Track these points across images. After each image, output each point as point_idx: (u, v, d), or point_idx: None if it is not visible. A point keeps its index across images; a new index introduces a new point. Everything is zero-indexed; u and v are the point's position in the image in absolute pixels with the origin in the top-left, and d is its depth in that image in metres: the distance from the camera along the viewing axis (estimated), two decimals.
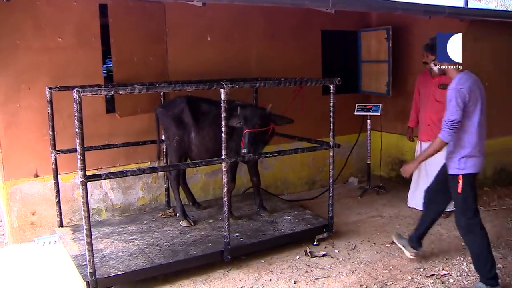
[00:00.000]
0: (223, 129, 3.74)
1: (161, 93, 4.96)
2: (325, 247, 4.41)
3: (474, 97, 3.43)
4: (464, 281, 3.75)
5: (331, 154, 4.38)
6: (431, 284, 3.72)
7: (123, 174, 3.49)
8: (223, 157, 3.79)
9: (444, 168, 3.73)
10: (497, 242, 4.48)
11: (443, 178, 3.73)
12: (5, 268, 4.12)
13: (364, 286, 3.70)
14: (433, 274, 3.86)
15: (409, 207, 5.42)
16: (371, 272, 3.93)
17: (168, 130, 4.58)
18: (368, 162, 6.17)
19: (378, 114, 5.91)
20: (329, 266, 4.04)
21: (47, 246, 4.55)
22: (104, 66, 5.17)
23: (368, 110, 5.97)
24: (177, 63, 5.20)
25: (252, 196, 5.02)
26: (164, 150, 4.95)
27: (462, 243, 4.43)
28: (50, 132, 4.34)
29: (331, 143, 4.33)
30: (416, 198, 5.36)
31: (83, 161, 3.19)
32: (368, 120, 6.06)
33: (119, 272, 3.55)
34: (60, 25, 4.57)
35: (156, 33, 5.07)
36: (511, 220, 5.08)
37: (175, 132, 4.49)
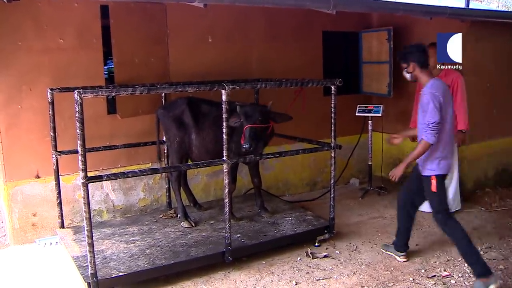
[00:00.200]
0: (224, 130, 3.74)
1: (162, 94, 4.96)
2: (326, 248, 4.41)
3: (446, 102, 3.62)
4: (465, 282, 3.74)
5: (332, 155, 4.38)
6: (432, 285, 3.71)
7: (124, 175, 3.50)
8: (224, 158, 3.79)
9: (416, 170, 3.89)
10: (499, 243, 4.47)
11: (415, 180, 3.92)
12: (7, 269, 4.12)
13: (365, 287, 3.70)
14: (435, 275, 3.85)
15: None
16: (372, 273, 3.92)
17: (169, 132, 4.58)
18: (370, 163, 6.16)
19: (379, 115, 5.91)
20: (330, 267, 4.04)
21: (48, 247, 4.55)
22: (105, 67, 5.18)
23: (369, 111, 5.97)
24: (178, 64, 5.20)
25: (253, 197, 5.01)
26: (165, 151, 4.95)
27: None
28: (51, 133, 4.34)
29: (332, 144, 4.33)
30: None
31: (84, 162, 3.19)
32: (369, 121, 6.06)
33: (120, 273, 3.55)
34: (61, 26, 4.58)
35: (157, 34, 5.08)
36: None
37: (175, 133, 4.50)
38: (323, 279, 3.83)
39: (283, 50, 5.92)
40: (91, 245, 3.31)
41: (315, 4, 4.28)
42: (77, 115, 3.14)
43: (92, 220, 3.38)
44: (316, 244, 4.45)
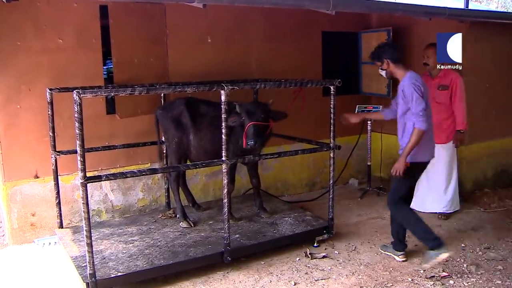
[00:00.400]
0: (223, 131, 3.74)
1: (162, 95, 4.96)
2: (325, 249, 4.41)
3: (425, 91, 3.84)
4: (464, 283, 3.74)
5: (332, 155, 4.38)
6: (431, 285, 3.72)
7: (123, 175, 3.50)
8: (223, 158, 3.79)
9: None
10: (497, 244, 4.48)
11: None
12: (5, 269, 4.12)
13: None
14: (433, 276, 3.86)
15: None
16: (371, 274, 3.92)
17: (167, 132, 4.58)
18: (369, 163, 6.17)
19: None
20: (329, 267, 4.04)
21: (47, 247, 4.55)
22: (104, 67, 5.18)
23: (368, 111, 5.97)
24: (177, 64, 5.20)
25: (252, 198, 5.01)
26: (164, 151, 4.95)
27: (462, 245, 4.46)
28: (51, 133, 4.34)
29: (331, 145, 4.33)
30: (416, 200, 5.34)
31: (83, 162, 3.19)
32: (369, 122, 6.06)
33: (119, 274, 3.55)
34: (60, 26, 4.57)
35: (156, 35, 5.07)
36: (511, 221, 5.07)
37: (174, 134, 4.50)
38: (322, 279, 3.83)
39: (283, 50, 5.92)
40: (90, 245, 3.31)
41: (314, 5, 4.28)
42: (76, 115, 3.14)
43: (91, 220, 3.38)
44: (315, 245, 4.45)
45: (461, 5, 5.46)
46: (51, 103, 4.28)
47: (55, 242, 4.55)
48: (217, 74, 5.25)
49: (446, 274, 3.88)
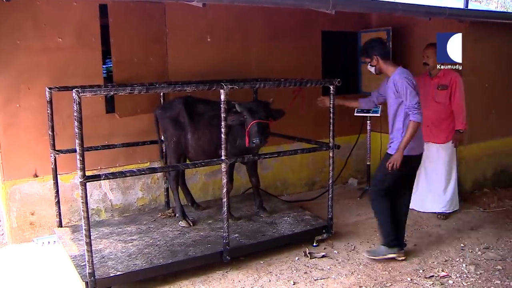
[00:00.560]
0: (222, 130, 3.73)
1: (161, 94, 4.96)
2: (325, 248, 4.41)
3: (417, 85, 3.91)
4: (463, 283, 3.74)
5: (331, 155, 4.38)
6: (430, 285, 3.72)
7: (122, 174, 3.49)
8: (222, 157, 3.79)
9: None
10: (497, 244, 4.48)
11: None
12: (4, 268, 4.12)
13: (363, 287, 3.70)
14: (432, 276, 3.86)
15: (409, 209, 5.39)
16: (370, 273, 3.92)
17: (166, 131, 4.58)
18: (368, 163, 6.16)
19: (378, 115, 5.89)
20: (328, 267, 4.04)
21: (46, 246, 4.55)
22: (104, 66, 5.17)
23: (368, 111, 5.94)
24: (177, 63, 5.20)
25: (252, 197, 5.01)
26: (164, 151, 4.95)
27: (462, 244, 4.46)
28: (50, 132, 4.34)
29: (330, 144, 4.33)
30: (415, 200, 5.35)
31: (83, 162, 3.19)
32: (368, 121, 6.06)
33: (118, 273, 3.55)
34: (60, 25, 4.57)
35: (156, 34, 5.07)
36: (510, 221, 5.07)
37: (172, 133, 4.50)
38: (321, 279, 3.83)
39: (282, 49, 5.92)
40: (89, 244, 3.30)
41: (314, 4, 4.27)
42: (75, 114, 3.13)
43: (90, 219, 3.37)
44: (314, 244, 4.44)
45: (461, 5, 5.46)
46: (51, 102, 4.28)
47: (54, 241, 4.55)
48: (217, 73, 5.24)
49: (445, 273, 3.89)
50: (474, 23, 5.49)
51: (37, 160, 4.61)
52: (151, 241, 4.14)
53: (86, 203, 3.25)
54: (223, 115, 3.71)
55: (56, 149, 4.37)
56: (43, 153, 4.51)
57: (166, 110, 4.57)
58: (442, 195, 5.13)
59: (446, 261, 4.14)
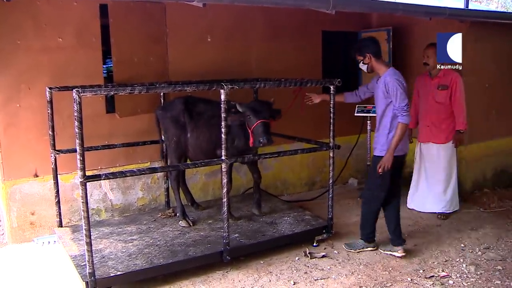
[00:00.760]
0: (223, 130, 3.73)
1: (161, 94, 4.96)
2: (325, 248, 4.41)
3: (406, 87, 3.95)
4: (463, 283, 3.74)
5: (331, 155, 4.38)
6: (430, 285, 3.72)
7: (122, 174, 3.48)
8: (223, 157, 3.79)
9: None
10: (497, 244, 4.48)
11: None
12: (5, 268, 4.12)
13: (364, 287, 3.70)
14: (433, 276, 3.86)
15: (409, 209, 5.39)
16: (370, 274, 3.92)
17: (167, 131, 4.58)
18: (368, 163, 6.15)
19: None
20: (329, 267, 4.04)
21: (46, 246, 4.55)
22: (104, 66, 5.17)
23: (368, 111, 5.95)
24: (177, 63, 5.20)
25: (252, 197, 5.01)
26: (164, 150, 4.95)
27: (462, 245, 4.46)
28: (50, 132, 4.34)
29: (331, 144, 4.33)
30: (415, 200, 5.36)
31: (83, 161, 3.19)
32: (368, 121, 6.05)
33: (118, 273, 3.55)
34: (60, 25, 4.57)
35: (156, 34, 5.07)
36: (511, 222, 5.07)
37: (173, 133, 4.50)
38: (321, 279, 3.83)
39: (282, 49, 5.92)
40: (89, 244, 3.30)
41: (314, 4, 4.27)
42: (75, 114, 3.13)
43: (90, 219, 3.36)
44: (315, 244, 4.44)
45: (461, 5, 5.46)
46: (51, 102, 4.28)
47: (55, 241, 4.55)
48: (217, 73, 5.24)
49: (446, 274, 3.89)
50: (474, 23, 5.49)
51: (37, 160, 4.61)
52: (151, 241, 4.14)
53: (86, 203, 3.25)
54: (223, 115, 3.71)
55: (57, 149, 4.37)
56: (44, 153, 4.52)
57: (167, 110, 4.57)
58: (442, 195, 5.13)
59: (446, 261, 4.14)
